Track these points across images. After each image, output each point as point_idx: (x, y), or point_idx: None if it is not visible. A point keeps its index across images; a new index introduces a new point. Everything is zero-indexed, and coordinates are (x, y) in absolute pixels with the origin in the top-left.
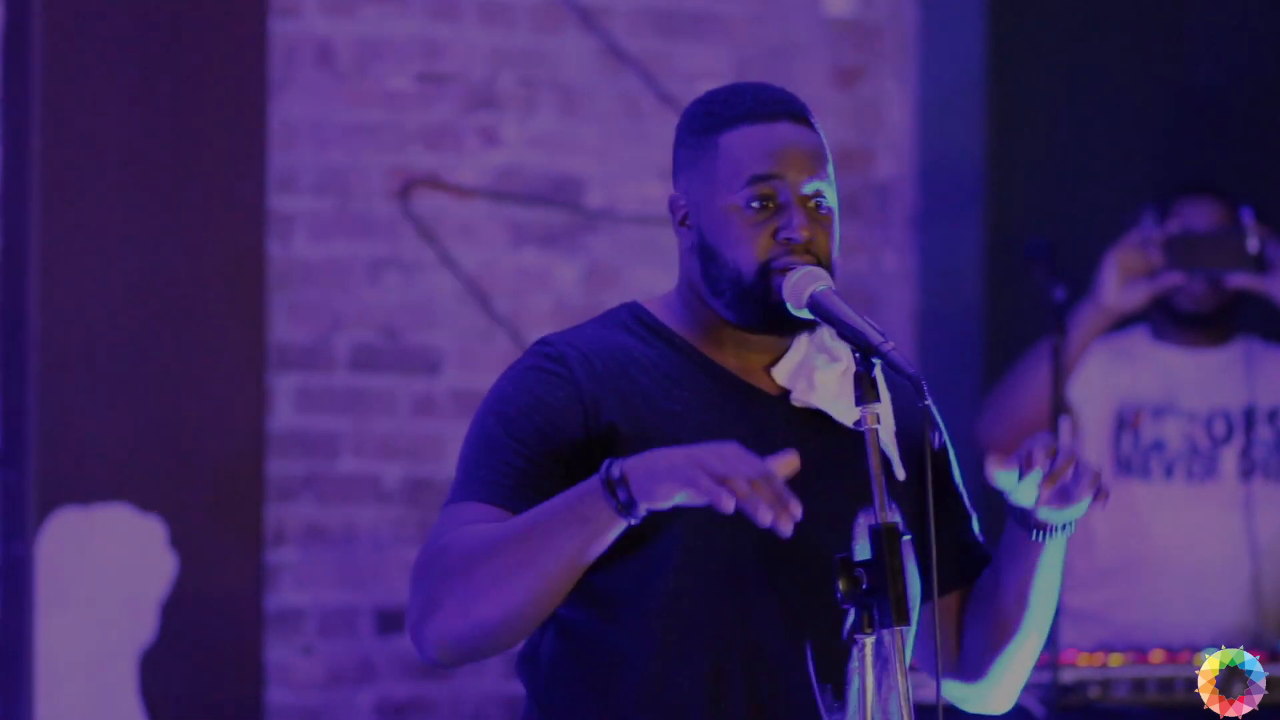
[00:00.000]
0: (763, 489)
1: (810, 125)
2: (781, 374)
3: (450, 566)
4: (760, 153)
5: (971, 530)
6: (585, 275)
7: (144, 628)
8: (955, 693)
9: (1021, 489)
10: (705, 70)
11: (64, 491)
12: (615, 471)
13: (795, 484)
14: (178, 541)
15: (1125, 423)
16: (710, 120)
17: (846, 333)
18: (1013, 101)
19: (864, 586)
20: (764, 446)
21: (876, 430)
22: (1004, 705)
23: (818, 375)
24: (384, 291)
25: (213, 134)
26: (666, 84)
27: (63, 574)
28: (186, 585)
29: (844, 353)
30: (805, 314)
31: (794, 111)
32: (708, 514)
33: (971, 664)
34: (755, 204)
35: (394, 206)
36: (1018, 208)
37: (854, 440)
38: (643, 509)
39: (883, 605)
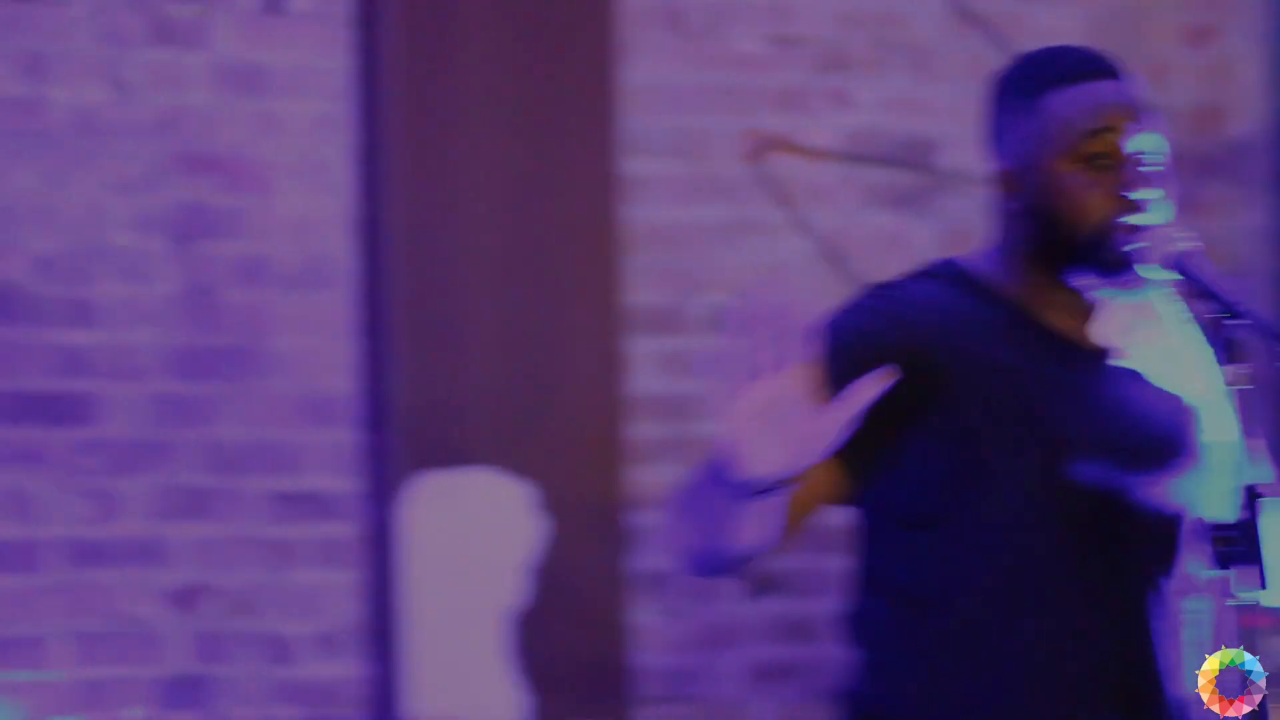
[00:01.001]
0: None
1: (1130, 81)
2: (1101, 333)
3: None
4: (1087, 111)
5: None
6: (941, 237)
7: (510, 591)
8: None
9: None
10: (1056, 30)
11: (430, 455)
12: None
13: (1118, 442)
14: (541, 505)
15: None
16: (1030, 83)
17: (1206, 293)
18: None
19: (1232, 547)
20: (1086, 404)
21: (1244, 391)
22: None
23: (1137, 335)
24: (738, 254)
25: (564, 99)
26: (1017, 44)
27: (430, 538)
28: (550, 548)
29: (1163, 311)
30: (1162, 273)
31: (1112, 69)
32: (1043, 472)
33: None
34: (1087, 162)
35: (746, 169)
36: None
37: (1170, 398)
38: (757, 484)
39: (1250, 566)
